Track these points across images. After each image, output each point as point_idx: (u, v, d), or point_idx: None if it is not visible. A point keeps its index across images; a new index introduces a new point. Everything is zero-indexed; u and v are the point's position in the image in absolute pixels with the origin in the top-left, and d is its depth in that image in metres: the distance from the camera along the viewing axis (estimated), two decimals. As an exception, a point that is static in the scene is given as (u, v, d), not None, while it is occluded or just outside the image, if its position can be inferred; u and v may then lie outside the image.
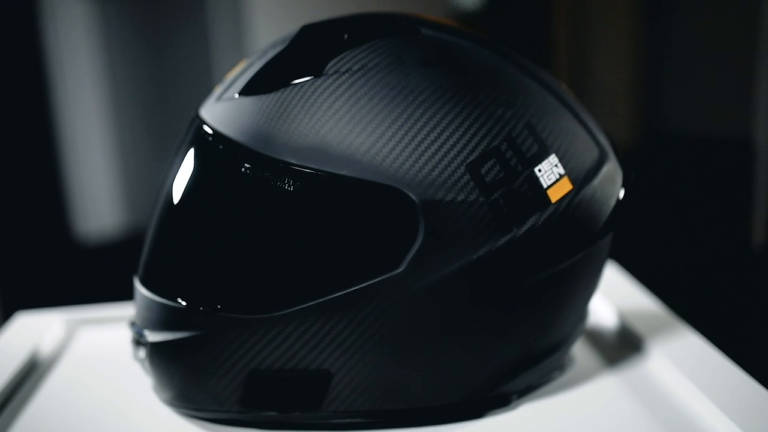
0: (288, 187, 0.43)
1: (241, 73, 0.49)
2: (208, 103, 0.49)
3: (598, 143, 0.48)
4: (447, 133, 0.43)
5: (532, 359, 0.49)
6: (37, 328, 0.65)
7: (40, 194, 2.76)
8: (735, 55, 3.65)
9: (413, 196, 0.42)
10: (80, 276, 2.46)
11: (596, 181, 0.47)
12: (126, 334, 0.66)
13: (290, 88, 0.45)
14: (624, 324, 0.60)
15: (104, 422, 0.51)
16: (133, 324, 0.52)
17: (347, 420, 0.48)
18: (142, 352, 0.51)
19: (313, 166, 0.43)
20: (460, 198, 0.43)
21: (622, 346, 0.58)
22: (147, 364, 0.50)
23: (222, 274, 0.46)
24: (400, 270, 0.43)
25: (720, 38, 3.77)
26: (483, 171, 0.43)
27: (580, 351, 0.58)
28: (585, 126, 0.48)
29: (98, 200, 2.92)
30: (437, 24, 0.49)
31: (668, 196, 2.88)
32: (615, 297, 0.64)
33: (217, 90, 0.50)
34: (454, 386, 0.47)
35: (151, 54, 2.81)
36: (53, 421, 0.52)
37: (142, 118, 2.91)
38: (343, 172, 0.43)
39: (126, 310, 0.69)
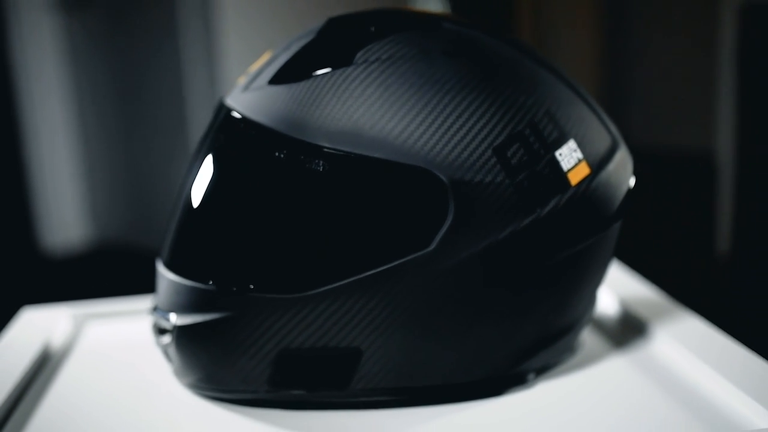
0: (322, 169, 0.45)
1: (268, 64, 0.50)
2: (234, 93, 0.51)
3: (609, 131, 0.51)
4: (474, 118, 0.45)
5: (549, 338, 0.51)
6: (45, 323, 0.65)
7: (5, 206, 2.72)
8: (697, 69, 3.75)
9: (443, 178, 0.44)
10: (47, 288, 2.43)
11: (611, 166, 0.49)
12: (136, 327, 0.67)
13: (321, 76, 0.47)
14: (626, 310, 0.62)
15: (127, 409, 0.52)
16: (155, 309, 0.53)
17: (374, 398, 0.49)
18: (165, 338, 0.52)
19: (346, 149, 0.45)
20: (487, 179, 0.45)
21: (627, 330, 0.61)
22: (172, 348, 0.51)
23: (255, 255, 0.47)
24: (430, 249, 0.45)
25: (682, 52, 3.87)
26: (509, 154, 0.45)
27: (587, 336, 0.60)
28: (597, 115, 0.51)
29: (64, 212, 2.89)
30: (455, 19, 0.51)
31: (633, 207, 2.94)
32: (616, 286, 0.66)
33: (242, 81, 0.51)
34: (477, 364, 0.49)
35: (118, 66, 2.80)
36: (73, 410, 0.53)
37: (109, 130, 2.89)
38: (376, 155, 0.44)
39: (133, 305, 0.70)
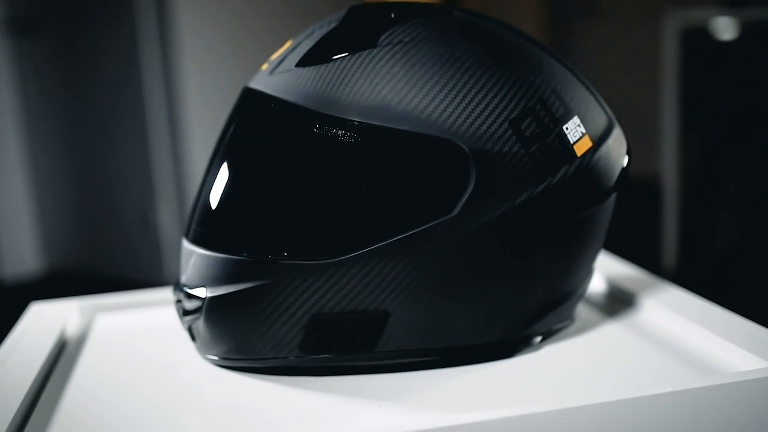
0: (353, 141, 0.49)
1: (291, 50, 0.54)
2: (260, 78, 0.54)
3: (606, 112, 0.56)
4: (491, 95, 0.49)
5: (555, 302, 0.55)
6: (56, 314, 0.67)
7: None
8: (641, 96, 3.90)
9: (466, 148, 0.48)
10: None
11: (610, 141, 0.54)
12: (146, 316, 0.69)
13: (348, 57, 0.50)
14: (615, 286, 0.67)
15: (152, 386, 0.54)
16: (181, 287, 0.55)
17: (397, 360, 0.52)
18: (193, 314, 0.54)
19: (375, 122, 0.48)
20: (505, 149, 0.49)
21: (617, 302, 0.65)
22: (200, 321, 0.53)
23: (289, 223, 0.50)
24: (454, 214, 0.49)
25: (625, 78, 4.02)
26: (523, 127, 0.50)
27: (582, 309, 0.64)
28: (595, 96, 0.56)
29: (17, 242, 2.85)
30: (463, 8, 0.56)
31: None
32: (603, 267, 0.71)
33: (265, 68, 0.55)
34: (492, 325, 0.52)
35: (71, 92, 2.79)
36: (101, 389, 0.54)
37: (61, 158, 2.87)
38: (403, 128, 0.48)
39: (138, 297, 0.71)
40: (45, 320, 0.65)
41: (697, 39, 2.73)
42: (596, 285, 0.69)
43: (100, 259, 2.81)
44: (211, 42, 2.61)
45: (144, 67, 2.53)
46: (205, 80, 2.59)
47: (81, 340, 0.64)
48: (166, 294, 0.71)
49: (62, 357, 0.60)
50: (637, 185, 3.65)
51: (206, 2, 2.59)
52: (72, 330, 0.66)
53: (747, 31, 2.68)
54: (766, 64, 2.44)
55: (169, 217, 2.61)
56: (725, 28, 2.64)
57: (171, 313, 0.69)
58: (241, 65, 2.68)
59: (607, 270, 0.70)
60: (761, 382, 0.46)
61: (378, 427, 0.45)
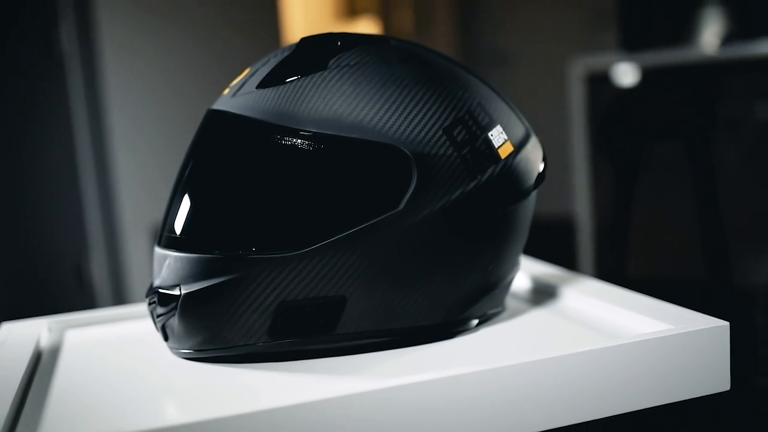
0: (311, 149, 0.56)
1: (250, 75, 0.62)
2: (223, 100, 0.62)
3: (523, 123, 0.65)
4: (427, 107, 0.58)
5: (488, 288, 0.63)
6: (28, 330, 0.71)
7: None
8: (552, 139, 4.10)
9: (407, 152, 0.57)
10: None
11: (528, 147, 0.63)
12: (113, 330, 0.74)
13: (303, 78, 0.58)
14: (538, 281, 0.76)
15: (131, 384, 0.59)
16: (155, 290, 0.61)
17: (355, 342, 0.59)
18: (166, 313, 0.60)
19: (330, 132, 0.56)
20: (440, 152, 0.58)
21: (541, 293, 0.74)
22: (175, 318, 0.59)
23: (256, 222, 0.57)
24: (399, 209, 0.57)
25: (537, 124, 4.22)
26: (455, 133, 0.58)
27: (511, 301, 0.73)
28: (513, 110, 0.65)
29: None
30: (396, 38, 0.65)
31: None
32: (527, 268, 0.80)
33: (227, 92, 0.62)
34: (435, 308, 0.60)
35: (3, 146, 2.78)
36: (83, 392, 0.59)
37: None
38: (354, 136, 0.56)
39: (103, 313, 0.76)
40: (18, 336, 0.70)
41: (601, 84, 2.93)
42: (523, 282, 0.78)
43: (30, 314, 2.76)
44: (139, 92, 2.66)
45: (73, 112, 2.55)
46: (133, 121, 2.63)
47: (55, 351, 0.68)
48: (131, 309, 0.76)
49: (40, 365, 0.65)
50: (553, 226, 3.83)
51: (132, 49, 2.64)
52: (45, 343, 0.70)
53: (646, 75, 2.89)
54: (664, 106, 2.63)
55: (102, 267, 2.60)
56: (626, 73, 2.85)
57: (138, 325, 0.75)
58: (169, 117, 2.73)
59: (531, 270, 0.79)
60: (657, 341, 0.55)
61: (340, 391, 0.52)
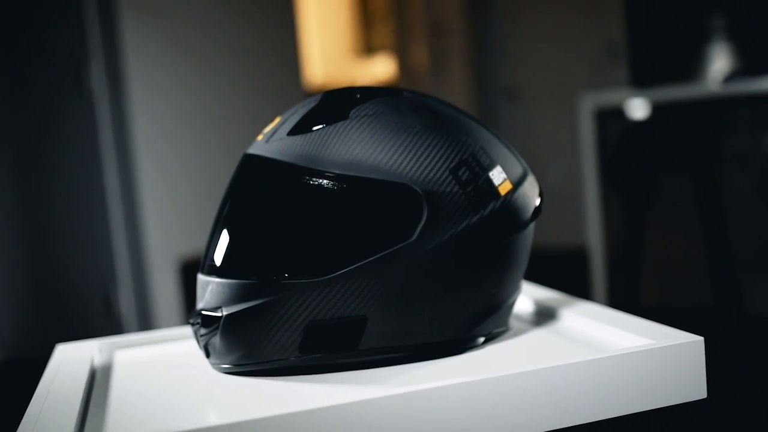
0: (335, 188, 0.65)
1: (281, 124, 0.71)
2: (257, 146, 0.71)
3: (521, 163, 0.74)
4: (435, 151, 0.67)
5: (492, 308, 0.71)
6: (82, 351, 0.80)
7: None
8: (563, 171, 4.18)
9: (419, 190, 0.65)
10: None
11: (525, 185, 0.72)
12: (158, 350, 0.82)
13: (327, 127, 0.67)
14: (539, 304, 0.84)
15: (178, 392, 0.68)
16: (199, 312, 0.70)
17: (375, 357, 0.67)
18: (209, 332, 0.69)
19: (351, 173, 0.65)
20: (447, 190, 0.66)
21: (542, 315, 0.82)
22: (217, 336, 0.68)
23: (288, 252, 0.66)
24: (412, 239, 0.65)
25: (548, 156, 4.30)
26: (460, 174, 0.67)
27: (515, 322, 0.81)
28: (512, 152, 0.74)
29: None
30: (408, 90, 0.74)
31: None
32: (529, 292, 0.88)
33: (261, 138, 0.72)
34: (446, 326, 0.68)
35: (25, 175, 2.89)
36: (138, 401, 0.68)
37: (16, 239, 2.94)
38: (372, 176, 0.65)
39: (149, 335, 0.85)
40: (73, 356, 0.78)
41: (610, 118, 3.02)
42: (526, 305, 0.86)
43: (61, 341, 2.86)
44: (165, 131, 2.77)
45: (102, 148, 2.66)
46: (159, 158, 2.74)
47: (107, 368, 0.77)
48: (173, 332, 0.85)
49: (96, 380, 0.74)
50: (566, 257, 3.89)
51: (160, 88, 2.76)
52: (97, 362, 0.79)
53: (655, 110, 2.98)
54: (672, 139, 2.71)
55: (129, 299, 2.70)
56: (635, 108, 2.93)
57: (181, 345, 0.83)
58: (193, 156, 2.84)
59: (533, 294, 0.87)
60: (639, 353, 0.63)
61: (363, 396, 0.60)
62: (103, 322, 2.73)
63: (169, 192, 2.75)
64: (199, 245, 2.84)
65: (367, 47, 6.15)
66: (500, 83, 4.69)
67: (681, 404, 0.66)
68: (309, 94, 3.56)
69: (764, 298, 2.92)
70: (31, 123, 2.81)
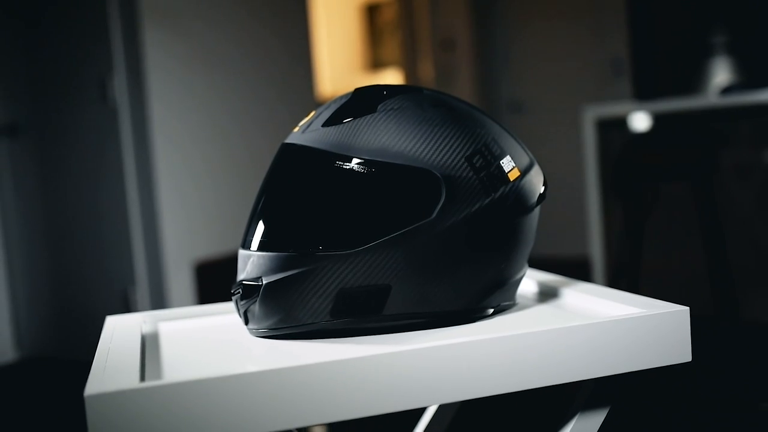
0: (365, 172, 0.74)
1: (316, 117, 0.80)
2: (294, 136, 0.80)
3: (528, 154, 0.83)
4: (452, 141, 0.76)
5: (500, 282, 0.80)
6: (131, 321, 0.89)
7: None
8: (566, 182, 4.27)
9: (438, 174, 0.74)
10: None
11: (531, 172, 0.81)
12: (200, 323, 0.91)
13: (359, 119, 0.77)
14: (543, 285, 0.92)
15: (220, 352, 0.77)
16: (240, 283, 0.78)
17: (397, 322, 0.76)
18: (249, 300, 0.77)
19: (379, 159, 0.74)
20: (463, 175, 0.75)
21: (546, 294, 0.91)
22: (257, 303, 0.77)
23: (324, 227, 0.75)
24: (431, 218, 0.74)
25: (551, 167, 4.39)
26: (474, 161, 0.76)
27: (520, 299, 0.90)
28: (519, 144, 0.83)
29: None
30: (428, 88, 0.83)
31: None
32: (534, 275, 0.97)
33: (297, 130, 0.81)
34: (459, 297, 0.77)
35: (49, 181, 2.98)
36: (185, 357, 0.77)
37: (36, 233, 3.03)
38: (397, 162, 0.74)
39: (189, 310, 0.94)
40: (124, 325, 0.87)
41: (614, 130, 3.11)
42: (531, 286, 0.95)
43: (80, 344, 2.94)
44: (185, 137, 2.87)
45: (125, 158, 2.76)
46: (178, 163, 2.83)
47: (155, 335, 0.86)
48: (212, 307, 0.94)
49: (146, 342, 0.82)
50: (568, 265, 3.97)
51: (179, 98, 2.86)
52: (145, 329, 0.88)
53: (658, 121, 3.07)
54: (672, 150, 2.80)
55: (145, 296, 2.78)
56: (639, 120, 3.02)
57: (221, 318, 0.92)
58: (210, 163, 2.93)
59: (538, 278, 0.96)
60: (632, 320, 0.72)
61: (386, 349, 0.68)
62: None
63: (186, 196, 2.84)
64: (214, 248, 2.94)
65: (375, 62, 6.26)
66: (505, 97, 4.79)
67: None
68: (320, 103, 3.66)
69: (762, 307, 2.99)
70: (57, 129, 2.91)
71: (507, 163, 0.79)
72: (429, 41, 4.87)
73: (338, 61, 6.18)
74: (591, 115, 2.90)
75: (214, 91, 2.99)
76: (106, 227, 2.83)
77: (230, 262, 2.91)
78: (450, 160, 0.75)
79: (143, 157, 2.73)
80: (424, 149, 0.75)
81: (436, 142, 0.76)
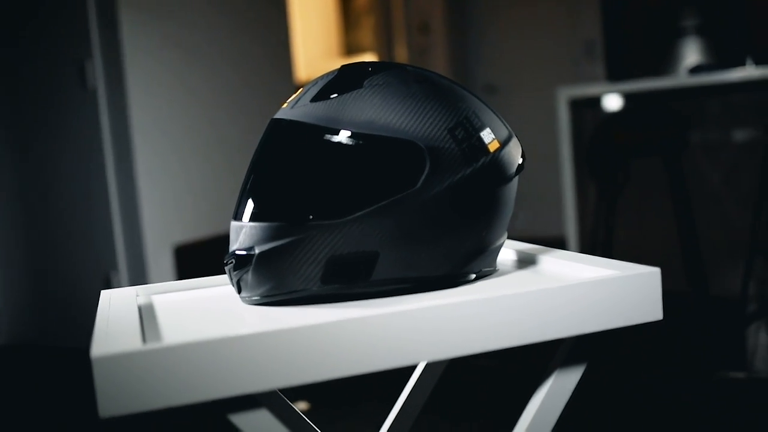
0: (352, 144, 0.78)
1: (304, 93, 0.83)
2: (284, 111, 0.83)
3: (506, 126, 0.87)
4: (435, 114, 0.80)
5: (482, 249, 0.84)
6: (126, 293, 0.92)
7: None
8: (542, 162, 4.33)
9: (422, 146, 0.78)
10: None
11: (510, 144, 0.85)
12: (191, 295, 0.94)
13: (346, 94, 0.80)
14: (522, 253, 0.97)
15: (215, 318, 0.80)
16: (233, 253, 0.82)
17: (385, 287, 0.80)
18: (241, 270, 0.81)
19: (366, 132, 0.78)
20: (446, 146, 0.79)
21: (524, 261, 0.95)
22: (250, 271, 0.80)
23: (313, 198, 0.78)
24: (417, 187, 0.78)
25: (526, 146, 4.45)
26: (456, 133, 0.80)
27: (501, 264, 0.94)
28: (499, 117, 0.86)
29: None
30: (409, 65, 0.86)
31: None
32: (512, 245, 1.01)
33: (285, 106, 0.84)
34: (443, 263, 0.81)
35: (24, 156, 2.98)
36: (182, 323, 0.80)
37: (14, 218, 3.03)
38: (383, 134, 0.78)
39: (182, 284, 0.97)
40: (119, 296, 0.90)
41: (587, 110, 3.16)
42: (510, 255, 0.99)
43: (61, 331, 2.95)
44: (163, 123, 2.87)
45: (103, 139, 2.76)
46: (157, 148, 2.84)
47: (150, 306, 0.89)
48: (203, 281, 0.97)
49: (143, 310, 0.85)
50: (544, 243, 4.04)
51: (157, 83, 2.86)
52: (140, 301, 0.91)
53: (630, 101, 3.12)
54: (643, 129, 2.86)
55: (128, 280, 2.80)
56: (611, 100, 3.08)
57: (212, 291, 0.95)
58: (188, 147, 2.95)
59: (517, 247, 1.00)
60: (606, 281, 0.76)
61: (375, 311, 0.72)
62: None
63: (165, 179, 2.86)
64: (194, 230, 2.95)
65: (350, 47, 6.27)
66: (480, 79, 4.83)
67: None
68: (297, 87, 3.67)
69: (730, 281, 3.07)
70: (35, 114, 2.90)
71: (487, 135, 0.82)
72: (404, 25, 4.90)
73: (313, 47, 6.18)
74: (565, 95, 2.95)
75: (193, 74, 3.00)
76: (86, 212, 2.83)
77: (210, 245, 2.93)
78: (433, 132, 0.79)
79: (122, 141, 2.73)
80: (408, 122, 0.79)
81: (420, 115, 0.79)
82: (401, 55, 4.94)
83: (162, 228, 2.82)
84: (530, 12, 4.61)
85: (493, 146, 0.83)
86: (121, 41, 2.70)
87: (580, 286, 0.75)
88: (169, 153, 2.88)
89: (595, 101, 3.15)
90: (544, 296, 0.74)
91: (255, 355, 0.66)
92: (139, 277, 2.78)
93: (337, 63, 6.17)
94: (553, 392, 0.79)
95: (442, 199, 0.79)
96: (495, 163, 0.82)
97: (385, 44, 5.05)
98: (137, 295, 0.94)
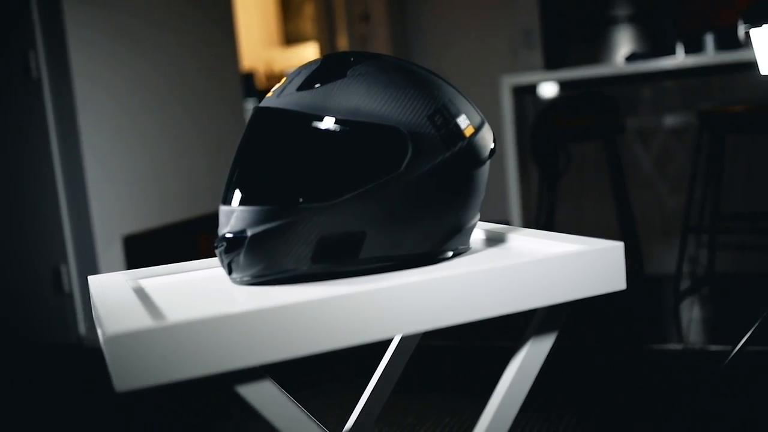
0: (338, 130, 0.82)
1: (288, 82, 0.87)
2: (269, 100, 0.87)
3: (478, 113, 0.93)
4: (415, 101, 0.85)
5: (458, 228, 0.90)
6: (115, 277, 0.95)
7: None
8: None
9: (405, 131, 0.83)
10: None
11: (483, 130, 0.91)
12: (177, 278, 0.98)
13: (330, 83, 0.85)
14: (492, 233, 1.03)
15: (206, 298, 0.84)
16: (224, 236, 0.86)
17: (372, 265, 0.85)
18: (232, 252, 0.85)
19: (351, 118, 0.83)
20: (426, 132, 0.84)
21: (495, 240, 1.01)
22: (242, 253, 0.84)
23: (302, 182, 0.83)
24: (400, 170, 0.83)
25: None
26: (435, 120, 0.85)
27: (474, 243, 1.00)
28: (472, 105, 0.92)
29: None
30: (389, 55, 0.91)
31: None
32: (483, 226, 1.07)
33: (271, 95, 0.88)
34: (424, 241, 0.87)
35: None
36: (177, 303, 0.84)
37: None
38: (367, 120, 0.83)
39: (169, 268, 1.00)
40: (108, 280, 0.93)
41: (528, 97, 3.26)
42: (482, 235, 1.05)
43: (11, 323, 2.91)
44: (109, 113, 2.85)
45: (50, 129, 2.72)
46: (104, 138, 2.82)
47: (141, 289, 0.92)
48: (190, 264, 1.01)
49: (138, 295, 0.89)
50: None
51: (102, 71, 2.84)
52: (131, 284, 0.94)
53: (569, 88, 3.23)
54: (583, 114, 2.97)
55: (74, 272, 2.78)
56: (550, 88, 3.18)
57: (201, 273, 0.99)
58: (136, 136, 2.93)
59: (488, 227, 1.07)
60: (573, 255, 0.83)
61: (364, 288, 0.77)
62: (52, 296, 2.80)
63: (113, 170, 2.84)
64: (143, 221, 2.94)
65: (290, 36, 6.27)
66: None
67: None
68: (244, 76, 3.67)
69: (664, 260, 3.22)
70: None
71: (463, 121, 0.88)
72: (344, 14, 4.93)
73: (253, 36, 6.16)
74: (508, 83, 3.03)
75: (139, 64, 2.98)
76: (33, 204, 2.80)
77: (159, 234, 2.93)
78: (414, 119, 0.84)
79: (68, 132, 2.71)
80: (391, 109, 0.84)
81: (401, 102, 0.84)
82: (342, 44, 4.97)
83: (111, 218, 2.81)
84: (470, 1, 4.69)
85: (468, 131, 0.88)
86: (65, 30, 2.67)
87: (552, 260, 0.82)
88: (116, 143, 2.86)
89: (535, 89, 3.25)
90: (517, 270, 0.81)
91: (257, 329, 0.70)
92: (89, 269, 2.76)
93: (278, 52, 6.16)
94: (530, 357, 0.85)
95: (424, 182, 0.85)
96: (470, 147, 0.88)
97: (326, 33, 5.07)
98: (127, 280, 0.97)
